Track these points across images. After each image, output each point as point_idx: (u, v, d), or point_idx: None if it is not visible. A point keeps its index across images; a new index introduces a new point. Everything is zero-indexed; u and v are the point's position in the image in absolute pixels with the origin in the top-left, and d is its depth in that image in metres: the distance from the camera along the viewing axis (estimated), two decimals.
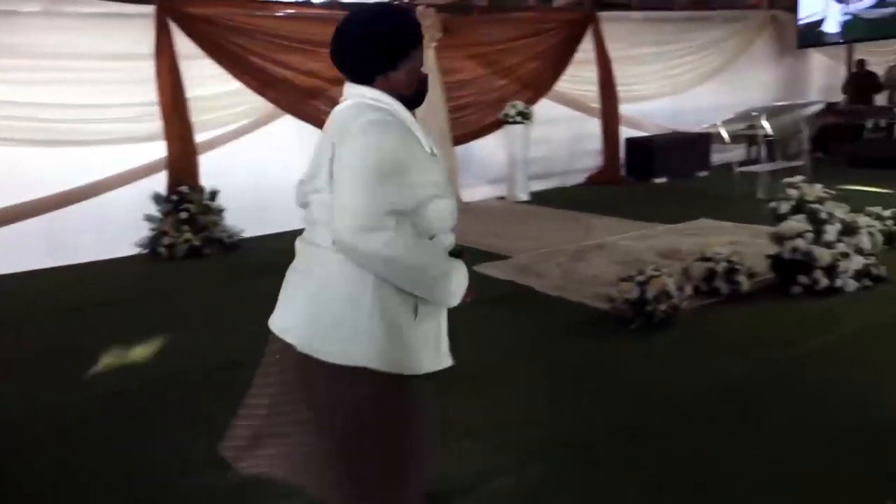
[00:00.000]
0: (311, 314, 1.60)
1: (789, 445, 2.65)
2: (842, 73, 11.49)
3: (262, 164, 6.84)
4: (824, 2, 10.41)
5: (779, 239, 4.51)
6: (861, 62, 11.72)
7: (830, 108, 12.02)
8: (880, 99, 11.94)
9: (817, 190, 4.64)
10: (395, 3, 1.68)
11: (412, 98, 1.68)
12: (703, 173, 9.89)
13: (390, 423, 1.60)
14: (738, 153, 9.75)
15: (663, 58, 9.96)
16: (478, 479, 2.54)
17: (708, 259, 4.41)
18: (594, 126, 9.65)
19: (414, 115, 1.69)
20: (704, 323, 4.01)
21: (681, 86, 10.23)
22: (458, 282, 1.63)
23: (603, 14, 9.29)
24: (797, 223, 4.43)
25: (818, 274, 4.31)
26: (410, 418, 1.65)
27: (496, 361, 3.62)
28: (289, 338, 1.61)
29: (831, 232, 4.42)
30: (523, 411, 3.10)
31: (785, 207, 4.53)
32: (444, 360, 1.70)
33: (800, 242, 4.37)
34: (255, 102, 7.10)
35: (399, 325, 1.58)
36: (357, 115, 1.59)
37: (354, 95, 1.66)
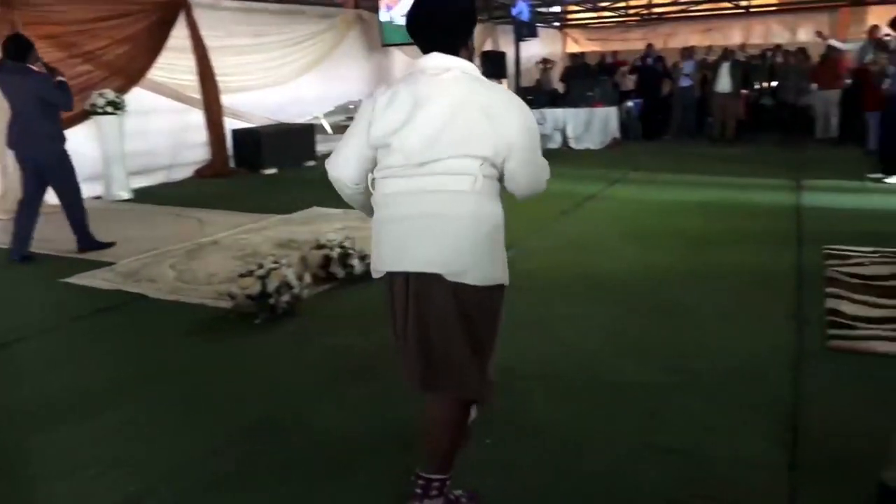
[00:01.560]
0: (458, 248, 1.93)
1: (419, 407, 2.92)
2: None
3: None
4: (400, 5, 11.60)
5: None
6: None
7: None
8: None
9: None
10: None
11: None
12: (311, 163, 10.27)
13: (501, 314, 2.10)
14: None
15: (262, 49, 9.99)
16: None
17: (323, 246, 4.59)
18: (198, 117, 9.26)
19: None
20: (326, 308, 4.17)
21: (282, 78, 10.40)
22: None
23: (196, 0, 8.91)
24: None
25: None
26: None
27: (108, 384, 3.24)
28: (437, 269, 1.93)
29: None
30: (145, 433, 2.83)
31: None
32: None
33: None
34: None
35: (504, 252, 2.08)
36: (490, 86, 2.00)
37: (456, 67, 1.97)
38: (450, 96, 1.93)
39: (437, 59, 1.97)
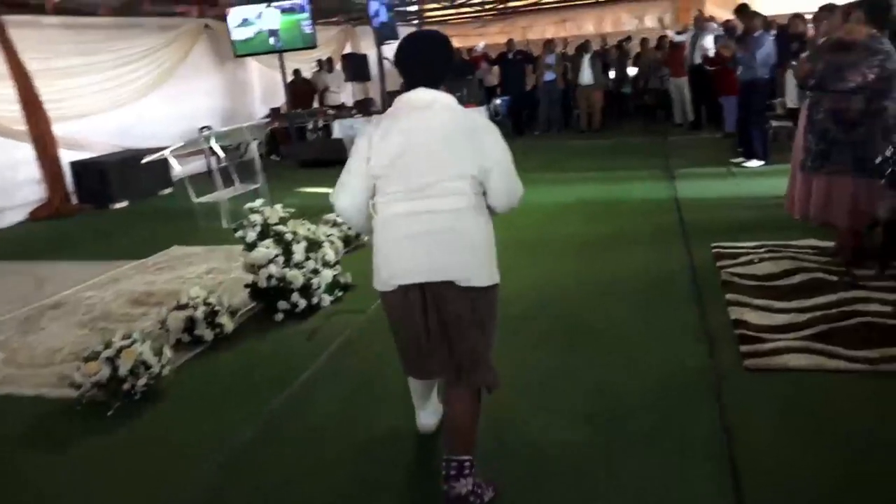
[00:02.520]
0: (465, 258, 2.25)
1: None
2: (278, 79, 12.18)
3: None
4: (254, 13, 10.84)
5: (252, 268, 4.37)
6: (297, 71, 12.75)
7: (275, 113, 12.81)
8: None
9: (278, 211, 4.65)
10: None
11: None
12: (167, 190, 9.38)
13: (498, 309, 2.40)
14: (196, 164, 9.43)
15: (95, 69, 8.97)
16: None
17: (185, 306, 3.99)
18: (26, 151, 8.15)
19: None
20: (194, 381, 3.59)
21: (121, 99, 9.44)
22: None
23: (8, 18, 7.80)
24: (266, 249, 4.35)
25: (296, 296, 4.32)
26: None
27: None
28: (450, 278, 2.24)
29: (299, 251, 4.48)
30: None
31: (252, 235, 4.41)
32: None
33: (272, 268, 4.31)
34: None
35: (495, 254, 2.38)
36: (468, 114, 2.32)
37: (439, 100, 2.28)
38: (437, 126, 2.23)
39: (422, 94, 2.28)
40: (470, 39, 17.99)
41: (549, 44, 12.48)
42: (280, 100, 12.47)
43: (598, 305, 4.09)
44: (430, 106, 2.26)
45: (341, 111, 12.80)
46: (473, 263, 2.26)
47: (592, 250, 5.19)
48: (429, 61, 2.34)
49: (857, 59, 3.85)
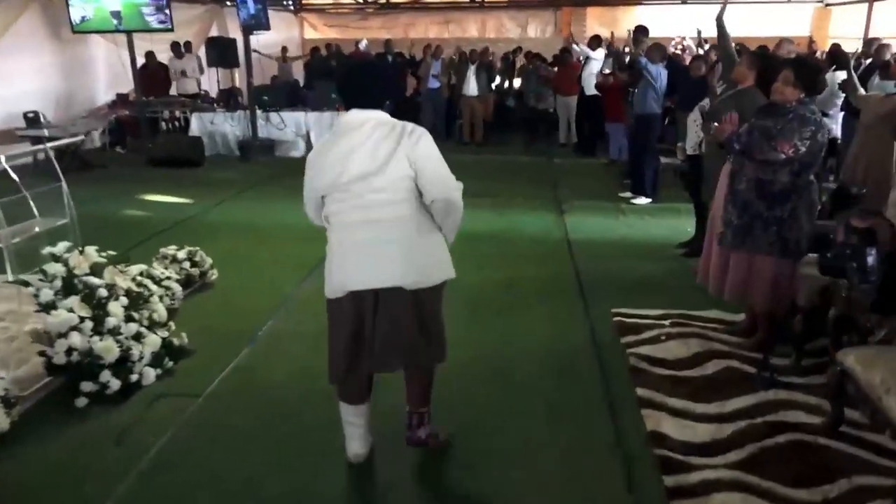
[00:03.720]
0: (411, 262, 2.51)
1: None
2: (126, 60, 10.63)
3: None
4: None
5: (46, 337, 3.32)
6: (150, 54, 11.22)
7: (122, 100, 11.25)
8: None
9: (92, 256, 3.61)
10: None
11: None
12: None
13: (443, 296, 2.73)
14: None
15: None
16: None
17: None
18: None
19: None
20: None
21: None
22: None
23: None
24: (68, 313, 3.32)
25: (106, 374, 3.31)
26: None
27: None
28: (397, 283, 2.51)
29: (116, 312, 3.48)
30: None
31: (48, 293, 3.35)
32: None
33: (75, 339, 3.28)
34: None
35: (446, 251, 2.69)
36: (401, 126, 2.52)
37: (372, 118, 2.51)
38: (371, 140, 2.46)
39: (356, 115, 2.53)
40: (349, 32, 16.97)
41: (436, 51, 11.80)
42: (130, 84, 10.92)
43: (496, 410, 3.30)
44: (363, 125, 2.48)
45: (202, 102, 11.45)
46: (420, 268, 2.54)
47: (485, 312, 4.46)
48: (364, 86, 2.56)
49: (789, 128, 3.41)
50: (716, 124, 3.70)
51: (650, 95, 6.94)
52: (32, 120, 8.93)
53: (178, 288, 4.40)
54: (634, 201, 7.37)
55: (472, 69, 11.13)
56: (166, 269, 4.59)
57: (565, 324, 4.28)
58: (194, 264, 4.76)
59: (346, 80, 2.60)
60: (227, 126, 10.58)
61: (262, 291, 4.81)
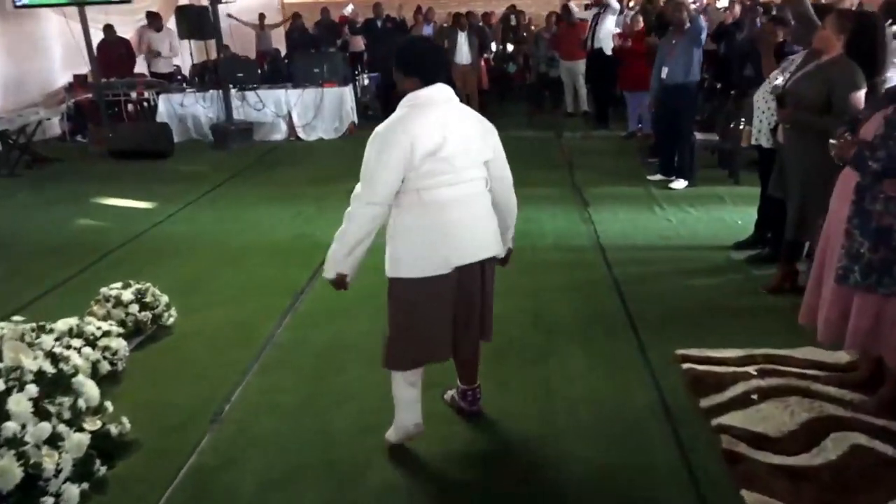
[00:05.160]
0: (496, 233, 2.68)
1: None
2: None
3: None
4: None
5: None
6: (109, 27, 10.02)
7: (80, 81, 10.10)
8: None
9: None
10: None
11: None
12: None
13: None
14: None
15: None
16: None
17: None
18: None
19: None
20: None
21: None
22: None
23: None
24: None
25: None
26: None
27: None
28: (494, 253, 2.67)
29: (18, 412, 2.52)
30: None
31: None
32: None
33: None
34: None
35: None
36: (468, 108, 2.64)
37: (454, 96, 2.56)
38: (462, 117, 2.54)
39: (444, 90, 2.51)
40: None
41: (428, 14, 10.64)
42: (87, 65, 9.75)
43: None
44: (450, 100, 2.52)
45: (170, 82, 10.30)
46: (499, 238, 2.70)
47: (513, 361, 3.48)
48: (443, 63, 2.64)
49: None
50: (832, 141, 2.71)
51: (695, 59, 5.91)
52: None
53: (121, 345, 3.43)
54: (672, 185, 6.36)
55: (462, 36, 10.00)
56: (107, 316, 3.62)
57: (619, 377, 3.31)
58: (144, 306, 3.78)
59: (426, 54, 2.52)
60: (199, 108, 9.50)
61: (232, 337, 3.84)
